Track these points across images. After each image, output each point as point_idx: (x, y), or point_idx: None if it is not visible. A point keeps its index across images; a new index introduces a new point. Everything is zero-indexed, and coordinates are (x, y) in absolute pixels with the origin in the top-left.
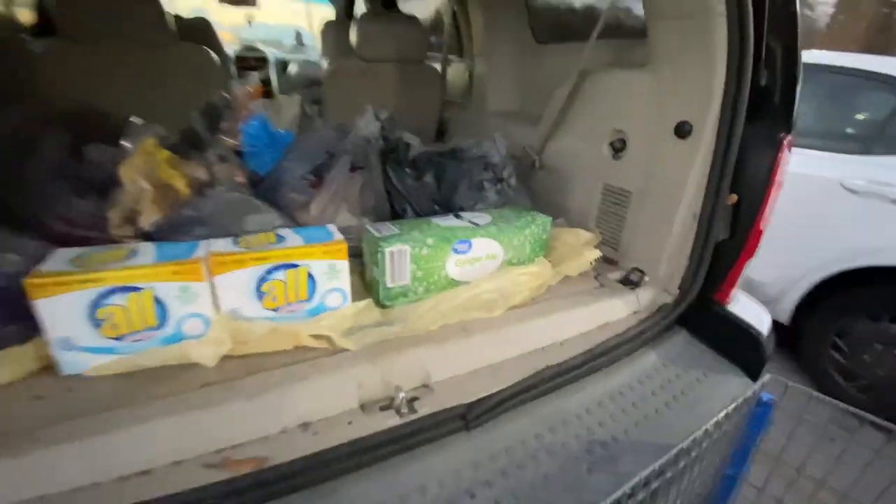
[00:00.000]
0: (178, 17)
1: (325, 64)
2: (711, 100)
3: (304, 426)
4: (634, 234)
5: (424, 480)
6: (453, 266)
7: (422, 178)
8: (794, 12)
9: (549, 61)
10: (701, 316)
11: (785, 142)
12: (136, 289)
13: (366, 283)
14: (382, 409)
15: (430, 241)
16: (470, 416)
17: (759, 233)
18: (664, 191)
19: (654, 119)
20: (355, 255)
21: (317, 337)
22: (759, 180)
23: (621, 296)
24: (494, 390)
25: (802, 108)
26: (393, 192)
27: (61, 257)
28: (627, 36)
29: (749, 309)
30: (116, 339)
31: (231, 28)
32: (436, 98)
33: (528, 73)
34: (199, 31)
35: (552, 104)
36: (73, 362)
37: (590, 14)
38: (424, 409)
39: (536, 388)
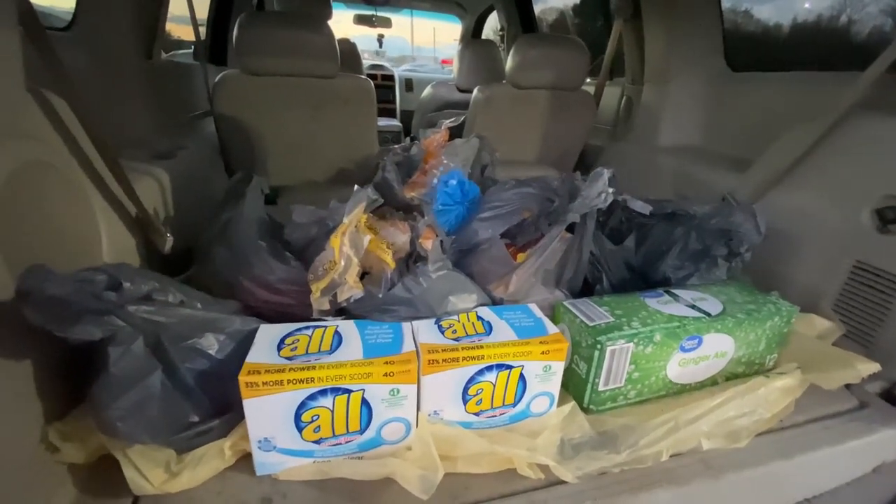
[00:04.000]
0: None
1: (454, 82)
2: None
3: None
4: None
5: None
6: (675, 366)
7: (622, 241)
8: None
9: (748, 93)
10: None
11: None
12: (346, 391)
13: None
14: None
15: (657, 336)
16: None
17: None
18: None
19: None
20: None
21: (533, 465)
22: None
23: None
24: None
25: None
26: (590, 258)
27: (268, 341)
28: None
29: None
30: (316, 442)
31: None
32: (586, 125)
33: (717, 105)
34: (348, 54)
35: (781, 148)
36: (269, 464)
37: (811, 40)
38: None
39: None
